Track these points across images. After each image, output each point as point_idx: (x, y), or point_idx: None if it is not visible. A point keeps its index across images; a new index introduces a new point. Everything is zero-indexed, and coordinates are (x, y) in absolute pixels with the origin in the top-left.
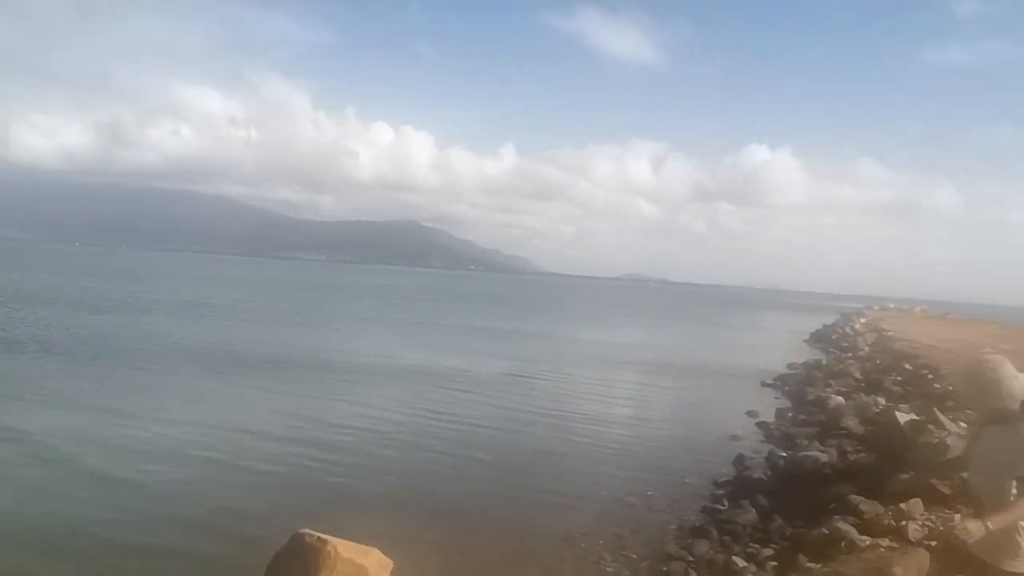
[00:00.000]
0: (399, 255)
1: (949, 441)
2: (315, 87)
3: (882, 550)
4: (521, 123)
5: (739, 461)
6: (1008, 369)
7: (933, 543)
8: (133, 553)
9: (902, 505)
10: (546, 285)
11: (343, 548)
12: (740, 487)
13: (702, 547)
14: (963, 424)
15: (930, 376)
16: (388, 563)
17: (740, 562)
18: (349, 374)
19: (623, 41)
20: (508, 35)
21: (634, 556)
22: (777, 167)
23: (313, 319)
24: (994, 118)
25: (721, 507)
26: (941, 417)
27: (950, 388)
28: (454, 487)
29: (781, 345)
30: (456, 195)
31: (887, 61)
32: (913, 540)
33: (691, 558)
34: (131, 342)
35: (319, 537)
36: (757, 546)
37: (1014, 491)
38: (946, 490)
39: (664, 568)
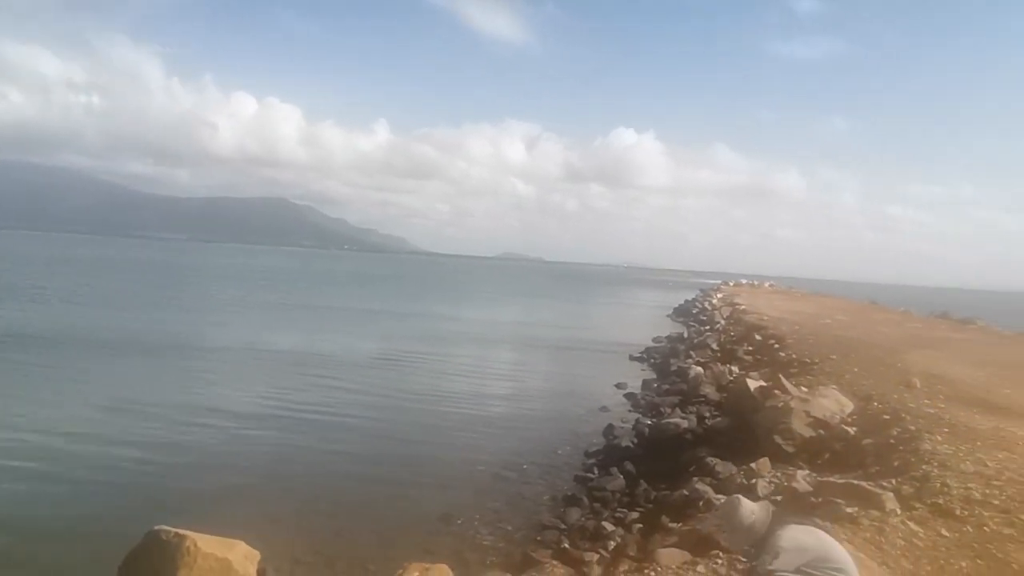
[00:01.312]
0: (266, 234)
1: (792, 404)
2: (168, 52)
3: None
4: (395, 99)
5: (609, 431)
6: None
7: (779, 498)
8: None
9: (752, 464)
10: (423, 264)
11: (204, 543)
12: (609, 455)
13: (574, 515)
14: (804, 388)
15: (776, 345)
16: (255, 554)
17: (609, 526)
18: (209, 360)
19: (497, 21)
20: (380, 7)
21: (509, 528)
22: (643, 150)
23: (168, 302)
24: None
25: (592, 475)
26: (785, 382)
27: (793, 356)
28: (325, 474)
29: (647, 320)
30: (327, 172)
31: (738, 53)
32: (762, 496)
33: (563, 526)
34: None
35: (176, 533)
36: (625, 510)
37: None
38: (790, 449)
39: (538, 537)
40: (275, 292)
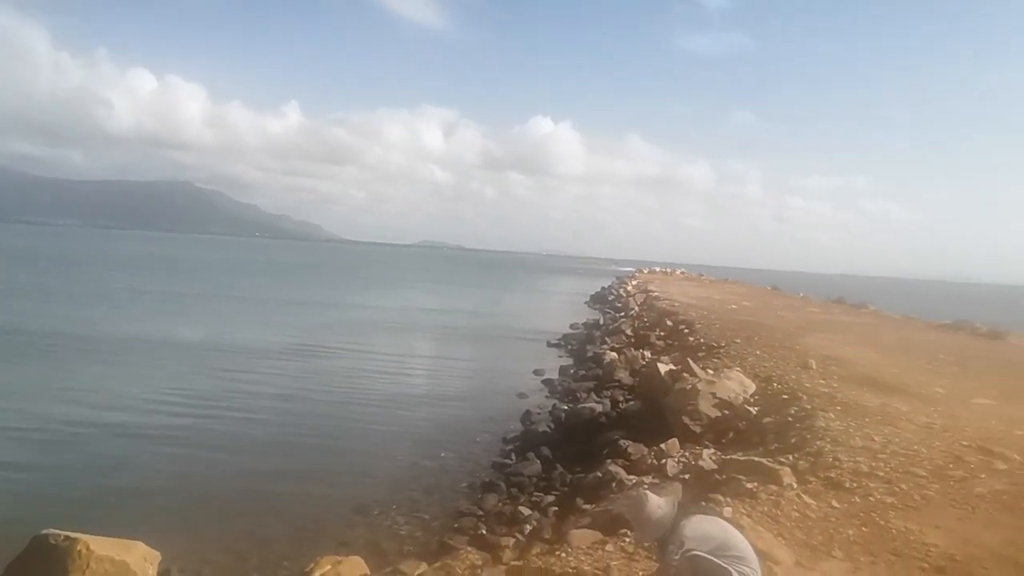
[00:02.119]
0: (171, 220)
1: (700, 386)
2: (55, 23)
3: (645, 487)
4: (307, 81)
5: (526, 417)
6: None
7: (687, 476)
8: None
9: (662, 445)
10: (339, 252)
11: (98, 545)
12: (527, 441)
13: (491, 500)
14: (711, 371)
15: (686, 330)
16: (155, 555)
17: (525, 511)
18: (105, 355)
19: (414, 3)
20: None
21: (427, 516)
22: (560, 139)
23: (56, 292)
24: (737, 104)
25: (509, 461)
26: (694, 366)
27: (702, 341)
28: (236, 470)
29: (566, 307)
30: (236, 155)
31: (650, 46)
32: (671, 475)
33: (481, 512)
34: None
35: (66, 536)
36: (541, 494)
37: None
38: (697, 429)
39: (456, 524)
40: (177, 281)
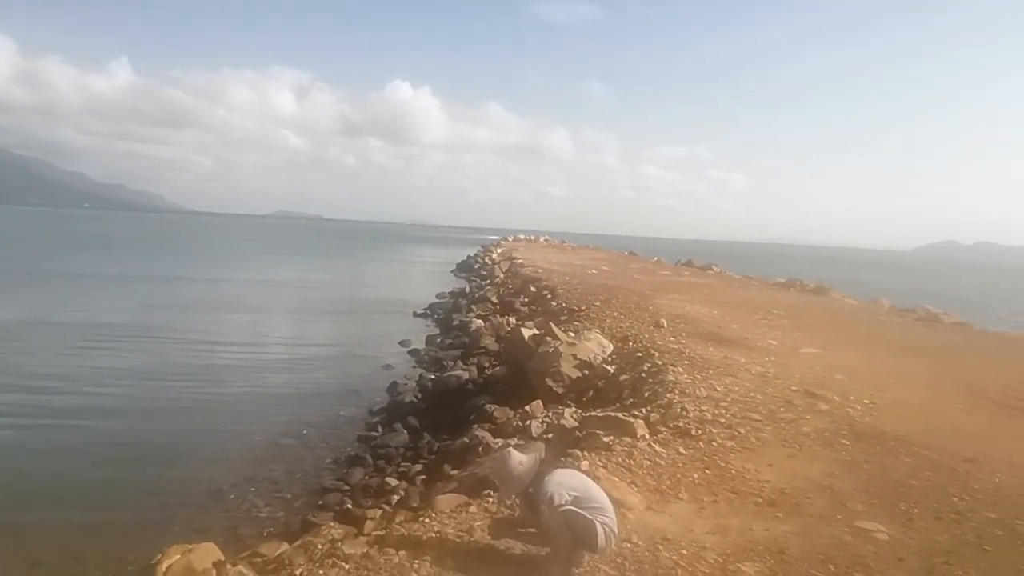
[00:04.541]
0: None
1: (561, 349)
2: None
3: (511, 448)
4: (137, 35)
5: (392, 388)
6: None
7: (550, 435)
8: None
9: (527, 407)
10: (184, 224)
11: None
12: (393, 412)
13: (357, 474)
14: (572, 334)
15: (549, 296)
16: None
17: (393, 481)
18: None
19: None
20: None
21: (288, 496)
22: (420, 106)
23: None
24: (591, 74)
25: (375, 433)
26: (556, 329)
27: (564, 305)
28: (68, 462)
29: (431, 277)
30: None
31: (506, 12)
32: (535, 436)
33: (346, 487)
34: None
35: None
36: (408, 464)
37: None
38: (560, 390)
39: (320, 501)
40: None
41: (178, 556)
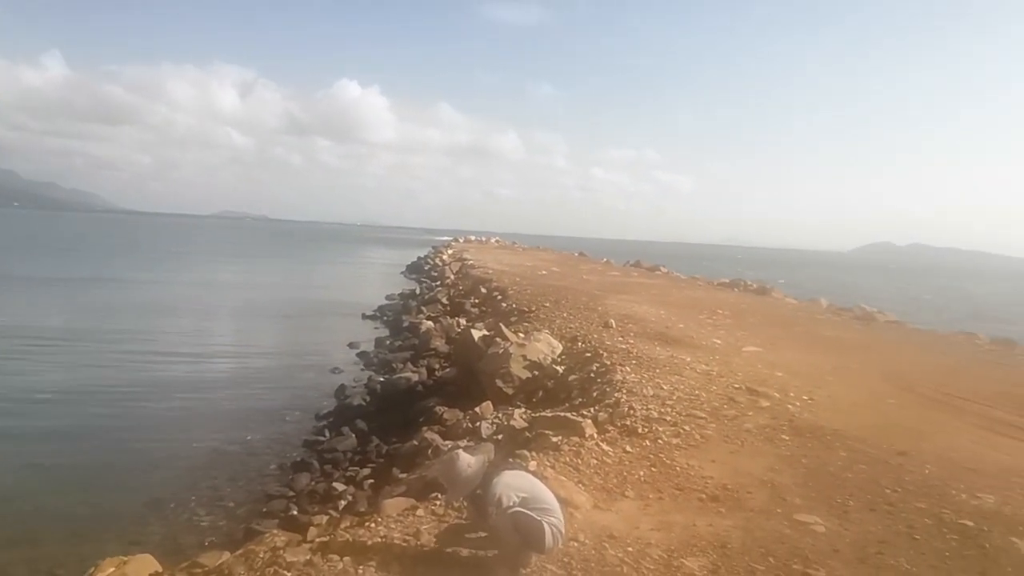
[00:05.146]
0: None
1: (511, 350)
2: None
3: (460, 450)
4: (71, 27)
5: (340, 391)
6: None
7: (500, 436)
8: None
9: (477, 409)
10: (121, 224)
11: None
12: (341, 416)
13: (303, 480)
14: (521, 335)
15: (499, 297)
16: None
17: (340, 486)
18: None
19: None
20: None
21: (231, 504)
22: (369, 105)
23: None
24: (541, 76)
25: (322, 438)
26: (506, 330)
27: (514, 306)
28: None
29: (381, 278)
30: None
31: (455, 12)
32: (485, 437)
33: (292, 493)
34: None
35: None
36: (356, 468)
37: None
38: (510, 390)
39: (264, 509)
40: None
41: (112, 569)
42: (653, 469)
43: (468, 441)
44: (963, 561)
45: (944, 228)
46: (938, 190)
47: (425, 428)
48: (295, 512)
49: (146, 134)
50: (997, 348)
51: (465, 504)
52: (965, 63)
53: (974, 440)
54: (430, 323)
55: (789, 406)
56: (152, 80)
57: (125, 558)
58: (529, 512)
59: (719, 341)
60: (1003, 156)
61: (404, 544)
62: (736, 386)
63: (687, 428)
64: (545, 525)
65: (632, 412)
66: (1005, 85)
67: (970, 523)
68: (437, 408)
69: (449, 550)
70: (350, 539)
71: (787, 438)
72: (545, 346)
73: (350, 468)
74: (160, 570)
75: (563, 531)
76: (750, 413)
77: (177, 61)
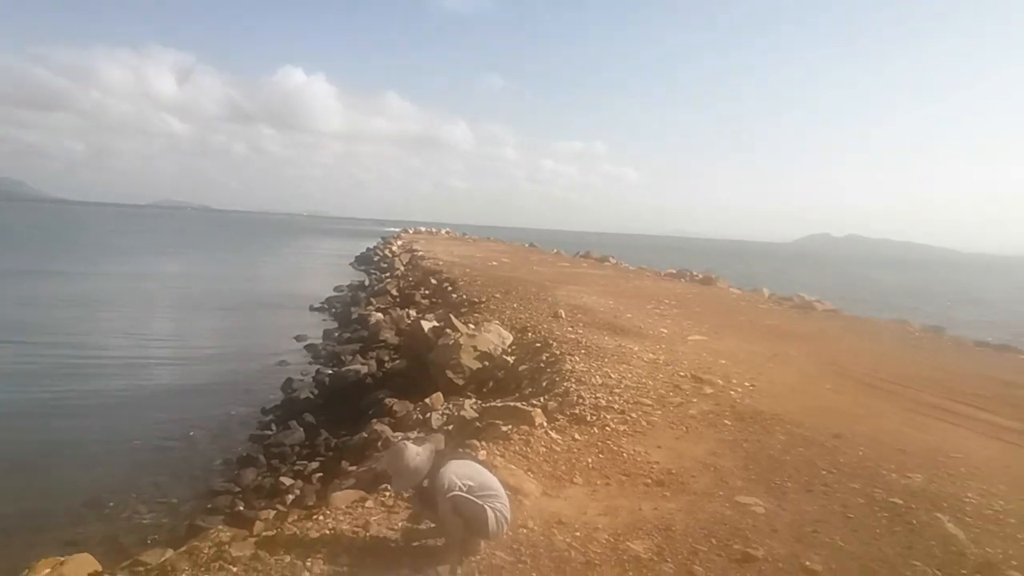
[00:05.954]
0: None
1: (462, 341)
2: None
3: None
4: None
5: (287, 384)
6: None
7: (451, 427)
8: None
9: (427, 400)
10: (50, 213)
11: None
12: (288, 409)
13: (249, 475)
14: (472, 325)
15: (450, 288)
16: None
17: (287, 480)
18: None
19: None
20: None
21: (174, 501)
22: (315, 93)
23: None
24: (489, 67)
25: (269, 432)
26: (456, 321)
27: (464, 297)
28: None
29: (329, 270)
30: None
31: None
32: (435, 428)
33: (237, 488)
34: None
35: None
36: (305, 462)
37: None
38: (460, 381)
39: (209, 505)
40: None
41: (48, 570)
42: (601, 456)
43: (419, 432)
44: (892, 537)
45: (878, 219)
46: (873, 184)
47: (375, 420)
48: (241, 507)
49: (79, 120)
50: (927, 335)
51: (412, 494)
52: (905, 68)
53: (904, 423)
54: (379, 315)
55: (732, 392)
56: (83, 63)
57: (62, 558)
58: (470, 496)
59: (666, 330)
60: (932, 156)
61: (353, 535)
62: (681, 374)
63: (634, 415)
64: (488, 509)
65: (581, 401)
66: (941, 92)
67: (899, 501)
68: (387, 400)
69: (397, 540)
70: (298, 533)
71: (729, 423)
72: (495, 337)
73: (298, 462)
74: (100, 569)
75: (508, 517)
76: (695, 400)
77: (110, 44)
